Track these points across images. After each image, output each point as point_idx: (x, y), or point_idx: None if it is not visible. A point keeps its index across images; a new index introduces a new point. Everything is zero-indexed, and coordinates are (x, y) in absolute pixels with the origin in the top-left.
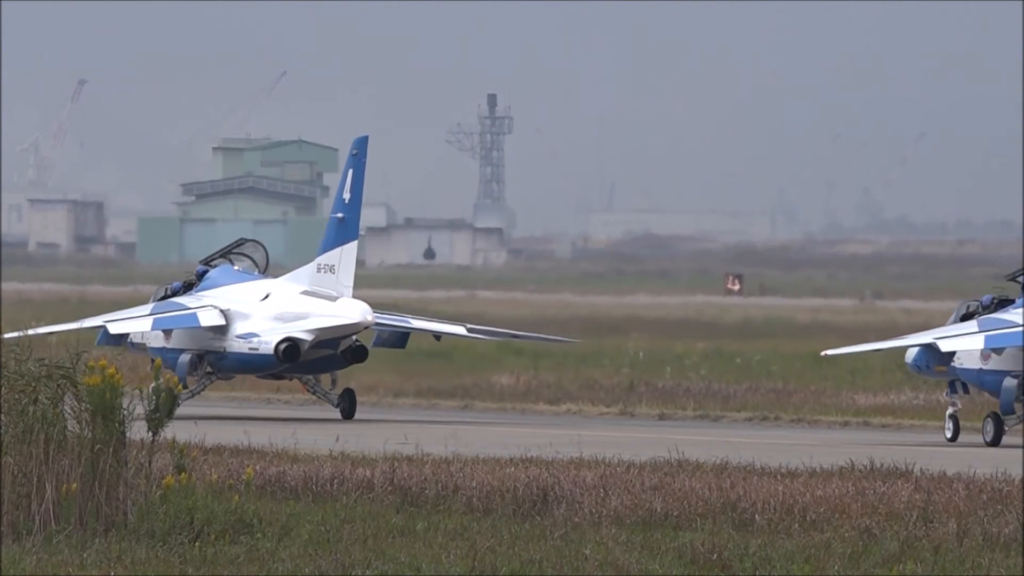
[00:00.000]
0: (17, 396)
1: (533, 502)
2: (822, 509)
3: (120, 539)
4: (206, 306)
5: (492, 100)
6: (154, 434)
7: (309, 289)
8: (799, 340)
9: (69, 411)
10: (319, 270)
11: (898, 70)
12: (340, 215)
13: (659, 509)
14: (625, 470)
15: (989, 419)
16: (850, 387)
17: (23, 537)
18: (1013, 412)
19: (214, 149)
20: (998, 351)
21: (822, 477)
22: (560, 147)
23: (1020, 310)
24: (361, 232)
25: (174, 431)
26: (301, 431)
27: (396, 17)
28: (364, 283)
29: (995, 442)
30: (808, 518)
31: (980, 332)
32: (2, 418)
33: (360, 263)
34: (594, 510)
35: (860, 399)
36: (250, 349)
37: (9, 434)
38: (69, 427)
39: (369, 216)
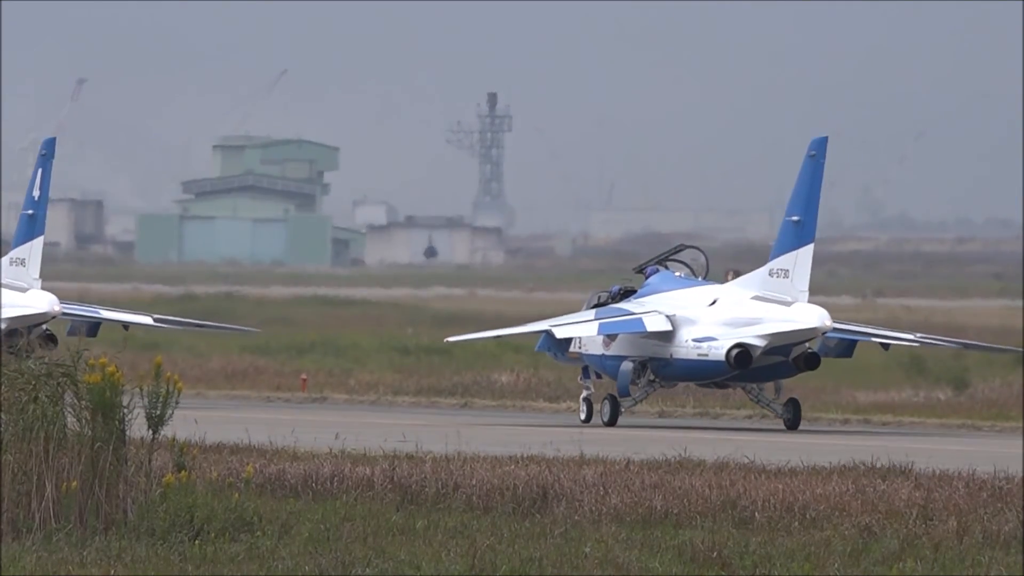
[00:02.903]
0: (17, 394)
1: (533, 500)
2: (822, 507)
3: (120, 537)
4: None
5: (492, 99)
6: (154, 432)
7: (3, 282)
8: None
9: (69, 409)
10: (11, 263)
11: (897, 68)
12: (30, 212)
13: (659, 507)
14: (625, 468)
15: (607, 400)
16: (850, 385)
17: (23, 535)
18: (629, 394)
19: (214, 147)
20: (612, 337)
21: (822, 475)
22: (559, 146)
23: (639, 300)
24: (362, 231)
25: (174, 429)
26: (301, 429)
27: (396, 16)
28: (365, 282)
29: (611, 422)
30: (808, 516)
31: (595, 320)
32: (2, 416)
33: (360, 262)
34: (594, 508)
35: (860, 397)
36: None
37: (9, 432)
38: (69, 425)
39: (370, 214)
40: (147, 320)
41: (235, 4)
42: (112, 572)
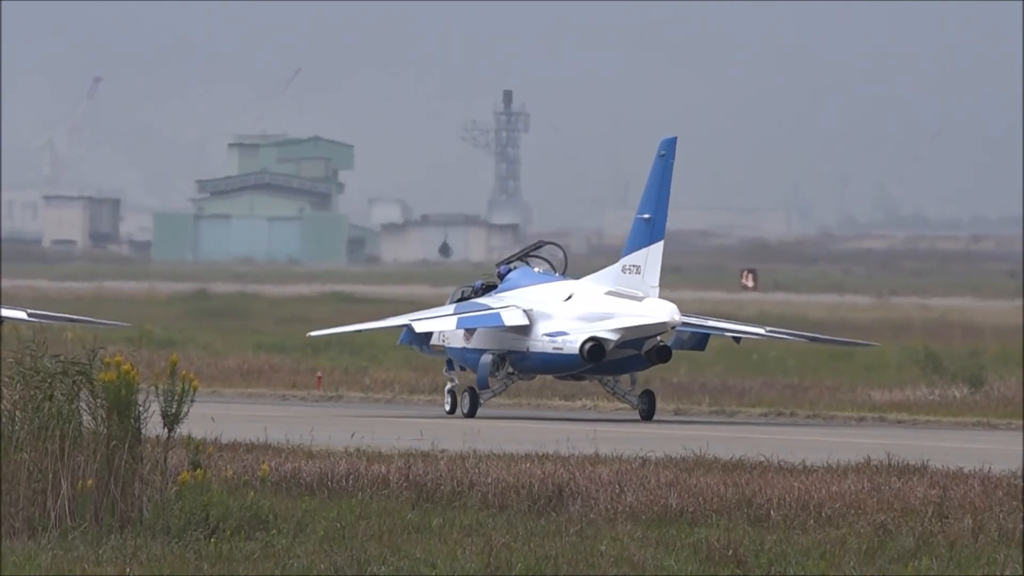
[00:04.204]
0: (33, 392)
1: (548, 498)
2: (838, 505)
3: (136, 535)
4: None
5: (508, 97)
6: (169, 430)
7: None
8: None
9: (85, 407)
10: None
11: (912, 67)
12: None
13: (674, 505)
14: (640, 466)
15: (467, 393)
16: (866, 383)
17: (39, 533)
18: (488, 387)
19: (229, 146)
20: (472, 331)
21: (838, 473)
22: (575, 144)
23: (499, 295)
24: (376, 229)
25: (190, 427)
26: (317, 428)
27: (412, 14)
28: (380, 280)
29: (471, 414)
30: (824, 514)
31: (455, 315)
32: (17, 414)
33: (376, 259)
34: (609, 506)
35: (876, 395)
36: None
37: (25, 430)
38: (85, 423)
39: (385, 212)
40: (21, 315)
41: (250, 3)
42: (128, 570)
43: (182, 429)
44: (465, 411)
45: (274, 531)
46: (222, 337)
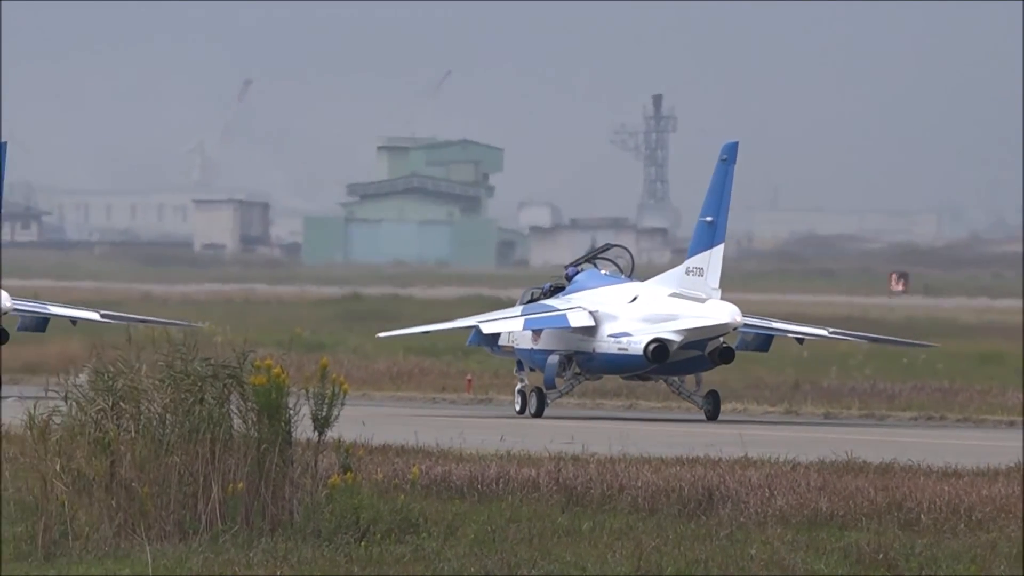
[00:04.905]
0: (183, 396)
1: (698, 502)
2: (988, 509)
3: (286, 538)
4: None
5: (657, 100)
6: (320, 434)
7: None
8: (965, 339)
9: (235, 410)
10: None
11: None
12: None
13: (824, 509)
14: (791, 470)
15: (534, 393)
16: (1016, 386)
17: (189, 536)
18: (555, 387)
19: (379, 148)
20: (539, 332)
21: (988, 477)
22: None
23: (566, 297)
24: (525, 232)
25: (340, 431)
26: (468, 431)
27: (561, 17)
28: (530, 282)
29: (538, 414)
30: (974, 518)
31: (521, 316)
32: (168, 417)
33: (525, 263)
34: (759, 510)
35: None
36: None
37: (175, 434)
38: (235, 427)
39: (534, 215)
40: (94, 316)
41: (399, 4)
42: (279, 573)
43: (332, 432)
44: (532, 411)
45: (424, 534)
46: (372, 340)
